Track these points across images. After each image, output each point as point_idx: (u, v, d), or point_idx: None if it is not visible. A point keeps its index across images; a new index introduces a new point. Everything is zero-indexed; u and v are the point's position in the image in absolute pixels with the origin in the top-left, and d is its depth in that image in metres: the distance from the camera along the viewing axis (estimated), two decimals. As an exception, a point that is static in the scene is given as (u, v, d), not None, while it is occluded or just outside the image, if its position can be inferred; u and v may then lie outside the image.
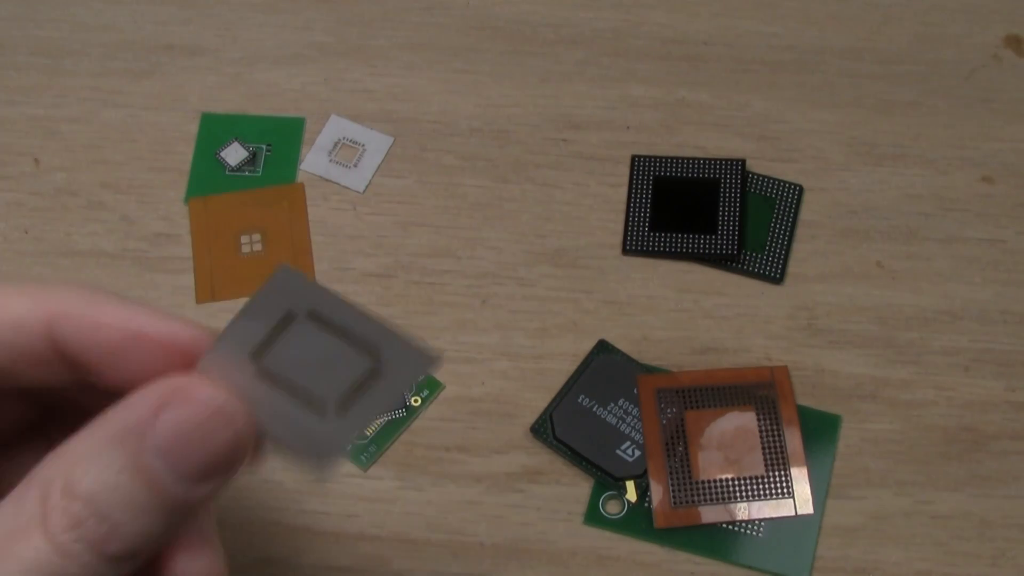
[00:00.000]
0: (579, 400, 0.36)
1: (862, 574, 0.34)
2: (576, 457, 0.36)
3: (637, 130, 0.43)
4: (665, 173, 0.41)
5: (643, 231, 0.40)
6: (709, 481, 0.35)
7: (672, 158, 0.41)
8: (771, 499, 0.34)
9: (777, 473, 0.35)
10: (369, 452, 0.36)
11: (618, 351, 0.37)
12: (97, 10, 0.45)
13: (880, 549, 0.35)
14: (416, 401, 0.37)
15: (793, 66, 0.44)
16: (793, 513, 0.34)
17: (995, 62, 0.44)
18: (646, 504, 0.35)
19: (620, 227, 0.40)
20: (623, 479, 0.35)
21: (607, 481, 0.35)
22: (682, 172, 0.41)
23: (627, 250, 0.40)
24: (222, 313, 0.39)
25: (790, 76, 0.44)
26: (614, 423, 0.36)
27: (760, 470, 0.35)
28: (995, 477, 0.36)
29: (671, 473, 0.35)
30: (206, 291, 0.39)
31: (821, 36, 0.45)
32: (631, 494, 0.35)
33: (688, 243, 0.40)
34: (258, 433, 0.21)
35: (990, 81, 0.44)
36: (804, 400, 0.37)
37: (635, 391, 0.36)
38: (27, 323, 0.22)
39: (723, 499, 0.34)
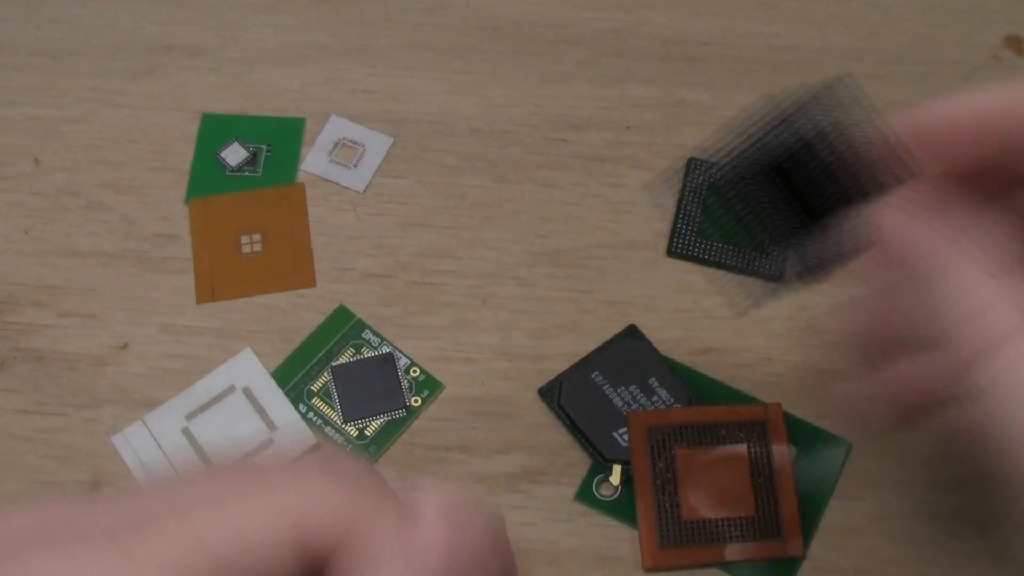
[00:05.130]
0: (592, 375, 0.37)
1: (862, 574, 0.34)
2: (573, 428, 0.36)
3: (637, 130, 0.43)
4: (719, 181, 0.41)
5: (690, 237, 0.40)
6: (698, 521, 0.34)
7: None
8: (760, 540, 0.34)
9: (768, 513, 0.34)
10: (369, 452, 0.36)
11: (645, 339, 0.37)
12: (97, 10, 0.45)
13: (880, 549, 0.35)
14: (416, 401, 0.37)
15: (793, 66, 0.44)
16: (784, 554, 0.34)
17: (995, 62, 0.44)
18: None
19: (620, 227, 0.40)
20: (612, 461, 0.35)
21: (597, 460, 0.35)
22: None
23: (672, 252, 0.40)
24: (222, 313, 0.39)
25: (790, 76, 0.44)
26: (619, 406, 0.36)
27: (750, 510, 0.34)
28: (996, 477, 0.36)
29: (659, 512, 0.34)
30: (206, 291, 0.39)
31: (821, 36, 0.45)
32: (615, 478, 0.35)
33: (733, 257, 0.39)
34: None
35: (990, 81, 0.44)
36: (803, 402, 0.37)
37: (649, 381, 0.36)
38: (274, 546, 0.18)
39: (712, 540, 0.34)
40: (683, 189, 0.41)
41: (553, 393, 0.36)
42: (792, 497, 0.34)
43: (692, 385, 0.37)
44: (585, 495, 0.35)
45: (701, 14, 0.46)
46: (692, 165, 0.41)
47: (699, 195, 0.41)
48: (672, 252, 0.40)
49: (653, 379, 0.36)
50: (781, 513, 0.34)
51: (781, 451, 0.35)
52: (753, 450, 0.35)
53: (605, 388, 0.36)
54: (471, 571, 0.17)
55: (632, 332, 0.38)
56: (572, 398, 0.36)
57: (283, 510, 0.18)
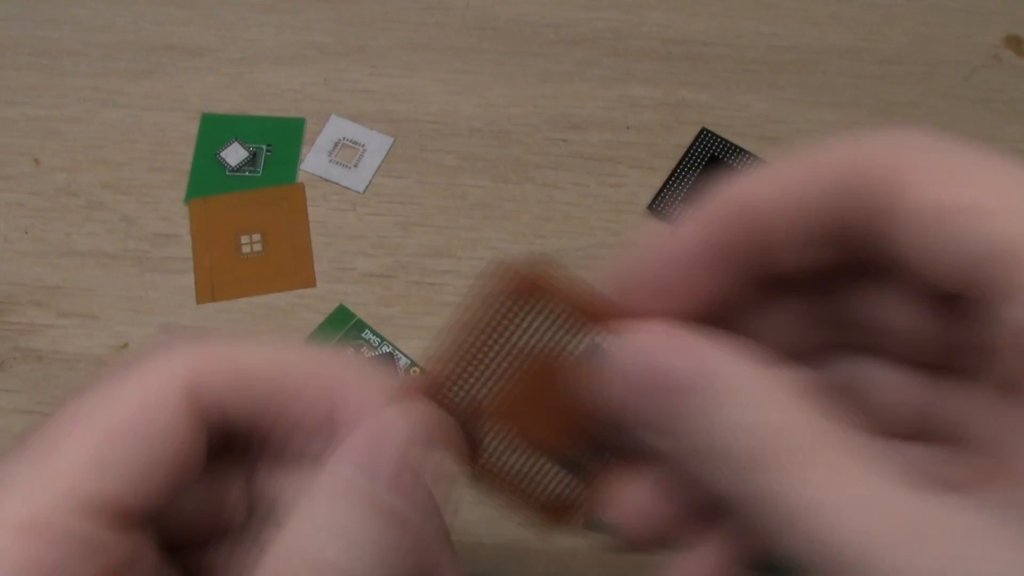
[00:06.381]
0: None
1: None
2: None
3: (637, 130, 0.43)
4: (722, 157, 0.41)
5: (676, 199, 0.41)
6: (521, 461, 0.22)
7: (735, 146, 0.42)
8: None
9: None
10: (369, 452, 0.36)
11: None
12: (97, 10, 0.45)
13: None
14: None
15: (793, 66, 0.44)
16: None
17: (995, 62, 0.44)
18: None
19: (620, 227, 0.40)
20: None
21: None
22: (738, 163, 0.41)
23: (651, 209, 0.41)
24: (222, 313, 0.39)
25: (790, 76, 0.44)
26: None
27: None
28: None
29: (526, 480, 0.23)
30: (206, 291, 0.39)
31: (821, 36, 0.45)
32: None
33: None
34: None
35: (990, 81, 0.44)
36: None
37: None
38: (310, 393, 0.20)
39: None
40: (686, 154, 0.41)
41: None
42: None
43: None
44: (593, 523, 0.35)
45: (701, 14, 0.46)
46: (702, 134, 0.41)
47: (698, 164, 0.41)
48: (651, 209, 0.41)
49: None
50: (589, 475, 0.23)
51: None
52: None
53: None
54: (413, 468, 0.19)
55: None
56: None
57: (323, 366, 0.20)
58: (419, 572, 0.19)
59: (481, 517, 0.35)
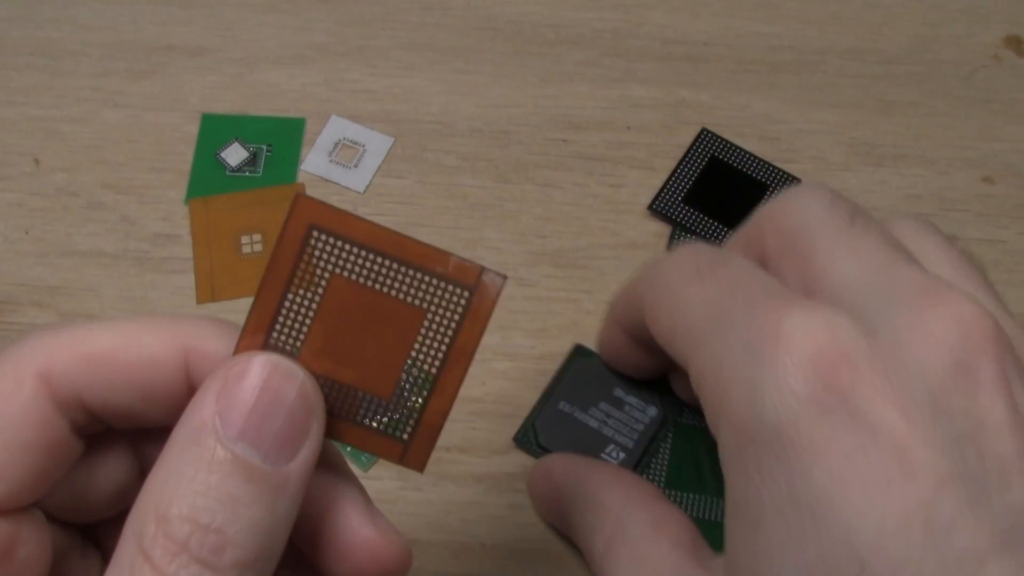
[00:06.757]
0: (560, 406, 0.36)
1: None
2: None
3: (637, 130, 0.43)
4: (723, 157, 0.41)
5: (676, 199, 0.40)
6: (314, 373, 0.22)
7: (735, 146, 0.42)
8: (380, 431, 0.25)
9: (405, 406, 0.25)
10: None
11: (594, 354, 0.37)
12: (97, 10, 0.45)
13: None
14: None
15: (793, 66, 0.44)
16: (398, 459, 0.25)
17: (995, 62, 0.44)
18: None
19: (620, 227, 0.40)
20: None
21: None
22: (738, 163, 0.41)
23: (652, 209, 0.40)
24: (222, 314, 0.39)
25: (790, 76, 0.44)
26: (596, 427, 0.36)
27: (387, 392, 0.24)
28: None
29: (278, 329, 0.22)
30: (206, 292, 0.39)
31: (821, 36, 0.45)
32: None
33: (709, 229, 0.40)
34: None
35: (990, 81, 0.44)
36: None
37: (615, 393, 0.36)
38: (164, 361, 0.21)
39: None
40: (686, 154, 0.41)
41: (529, 437, 0.36)
42: (447, 401, 0.25)
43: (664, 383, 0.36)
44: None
45: (701, 14, 0.46)
46: (703, 135, 0.41)
47: (699, 164, 0.41)
48: (651, 209, 0.41)
49: (618, 389, 0.36)
50: (425, 413, 0.25)
51: (471, 336, 0.25)
52: (434, 321, 0.25)
53: (576, 415, 0.36)
54: (270, 420, 0.20)
55: (580, 352, 0.37)
56: (550, 436, 0.36)
57: (174, 332, 0.21)
58: (279, 521, 0.20)
59: (481, 517, 0.35)
